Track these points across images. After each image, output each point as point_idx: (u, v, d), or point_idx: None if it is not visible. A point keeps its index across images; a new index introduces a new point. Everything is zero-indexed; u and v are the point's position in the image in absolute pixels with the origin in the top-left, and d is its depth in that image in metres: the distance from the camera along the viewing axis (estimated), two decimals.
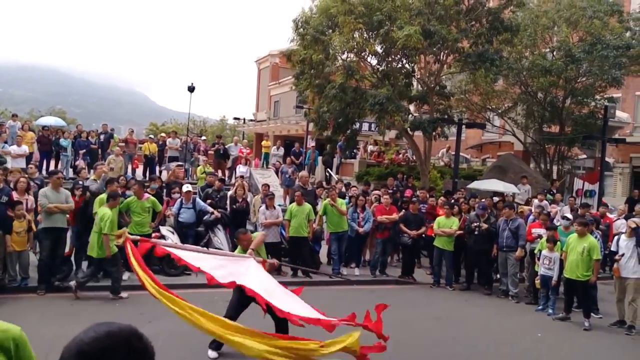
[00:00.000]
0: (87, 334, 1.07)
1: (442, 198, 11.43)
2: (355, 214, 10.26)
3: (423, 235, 10.36)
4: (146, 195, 8.78)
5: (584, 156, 19.46)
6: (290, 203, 11.25)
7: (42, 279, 7.61)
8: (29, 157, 13.81)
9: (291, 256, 9.73)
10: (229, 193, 10.65)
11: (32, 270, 7.84)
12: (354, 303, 8.43)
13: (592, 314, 7.94)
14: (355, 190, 11.78)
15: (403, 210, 10.60)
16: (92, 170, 11.60)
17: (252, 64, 38.88)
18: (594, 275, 7.65)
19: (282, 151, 20.31)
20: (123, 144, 16.22)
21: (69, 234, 8.20)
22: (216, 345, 5.47)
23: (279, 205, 11.05)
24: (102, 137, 16.28)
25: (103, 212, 7.52)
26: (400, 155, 20.58)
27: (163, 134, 19.24)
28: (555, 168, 18.01)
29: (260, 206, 9.97)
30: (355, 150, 19.91)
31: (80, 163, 14.30)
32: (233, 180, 14.87)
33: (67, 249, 8.10)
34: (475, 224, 9.60)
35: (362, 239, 10.44)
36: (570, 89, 16.30)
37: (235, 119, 37.53)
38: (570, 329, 7.58)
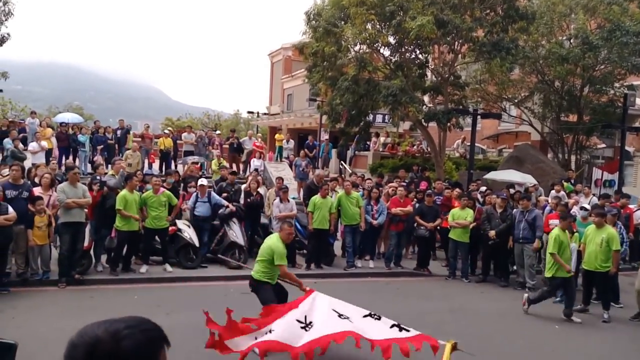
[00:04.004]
0: (82, 327, 1.12)
1: (457, 190, 11.32)
2: (369, 206, 10.24)
3: (438, 228, 10.31)
4: (162, 189, 8.91)
5: (603, 145, 19.08)
6: (304, 196, 11.26)
7: (63, 272, 7.79)
8: (48, 153, 14.08)
9: (313, 248, 9.73)
10: (243, 187, 10.72)
11: (53, 264, 8.04)
12: (369, 295, 8.45)
13: (612, 303, 7.81)
14: (370, 182, 11.74)
15: (416, 203, 10.54)
16: (110, 166, 11.80)
17: (265, 57, 38.91)
18: (613, 267, 7.51)
19: (292, 144, 20.30)
20: (139, 139, 16.43)
21: (87, 228, 8.36)
22: None
23: (293, 198, 11.09)
24: (119, 132, 16.50)
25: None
26: (415, 147, 20.44)
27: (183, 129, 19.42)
28: (573, 158, 17.69)
29: (275, 199, 10.01)
30: (368, 143, 19.83)
31: (98, 159, 14.54)
32: (248, 174, 14.96)
33: (86, 243, 8.26)
34: (491, 238, 9.52)
35: (377, 231, 10.42)
36: (588, 77, 15.94)
37: (249, 112, 37.64)
38: (589, 321, 7.47)
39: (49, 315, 6.47)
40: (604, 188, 16.23)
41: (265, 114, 36.33)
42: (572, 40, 16.06)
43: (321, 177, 11.63)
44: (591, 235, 7.67)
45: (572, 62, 15.31)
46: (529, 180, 12.83)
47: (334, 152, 20.00)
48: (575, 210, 10.02)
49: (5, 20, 16.28)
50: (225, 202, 9.75)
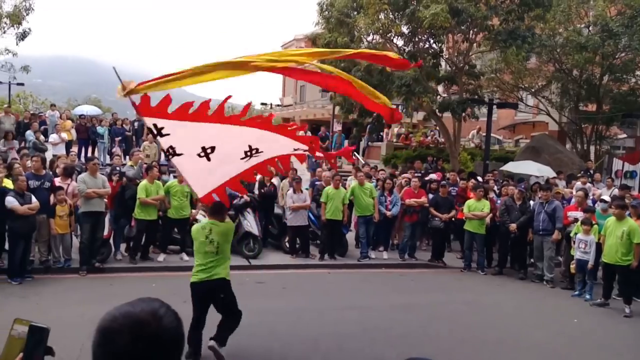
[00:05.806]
0: (109, 313, 1.09)
1: (472, 180, 11.23)
2: (382, 197, 10.24)
3: (453, 219, 10.25)
4: None
5: (624, 135, 18.66)
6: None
7: (84, 260, 8.00)
8: (68, 144, 14.37)
9: (326, 239, 9.77)
10: (257, 177, 10.78)
11: (74, 252, 8.25)
12: (383, 286, 8.49)
13: (634, 297, 7.67)
14: (383, 173, 11.73)
15: (431, 194, 10.50)
16: (128, 157, 11.99)
17: (278, 48, 38.87)
18: (635, 260, 7.34)
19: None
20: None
21: (107, 217, 8.55)
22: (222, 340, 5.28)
23: (306, 189, 11.13)
24: (136, 124, 16.71)
25: None
26: (429, 138, 20.28)
27: None
28: (592, 148, 17.37)
29: (288, 190, 10.08)
30: (381, 133, 19.75)
31: (117, 150, 14.78)
32: None
33: (105, 232, 8.45)
34: (512, 232, 9.38)
35: (390, 222, 10.42)
36: (608, 65, 15.58)
37: (262, 104, 37.86)
38: (609, 316, 7.34)
39: (71, 301, 6.66)
40: (624, 179, 15.91)
41: (278, 105, 36.42)
42: (590, 28, 15.69)
43: (328, 179, 11.67)
44: (611, 228, 7.52)
45: (591, 50, 14.96)
46: (546, 172, 12.60)
47: (346, 143, 19.97)
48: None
49: (27, 15, 16.56)
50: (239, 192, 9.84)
